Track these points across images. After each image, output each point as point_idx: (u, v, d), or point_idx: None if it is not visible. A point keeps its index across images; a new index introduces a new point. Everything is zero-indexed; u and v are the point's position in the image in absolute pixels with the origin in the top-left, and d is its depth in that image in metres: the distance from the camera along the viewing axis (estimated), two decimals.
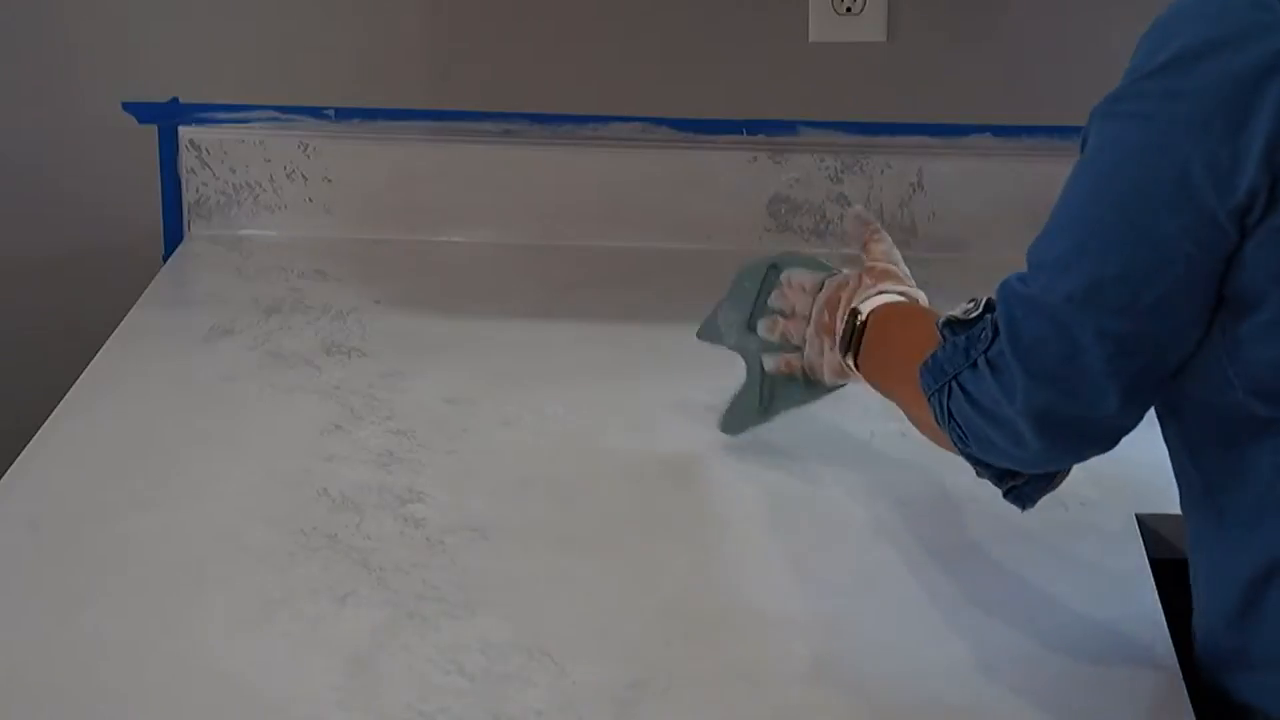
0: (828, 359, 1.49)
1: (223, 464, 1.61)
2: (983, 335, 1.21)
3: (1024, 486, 1.29)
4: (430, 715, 1.26)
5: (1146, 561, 1.45)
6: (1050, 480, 1.29)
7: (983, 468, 1.28)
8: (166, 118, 2.09)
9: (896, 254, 1.51)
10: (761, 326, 1.56)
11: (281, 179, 2.09)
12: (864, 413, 1.67)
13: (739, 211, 2.08)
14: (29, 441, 1.63)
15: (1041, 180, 2.00)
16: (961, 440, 1.26)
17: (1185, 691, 1.28)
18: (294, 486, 1.56)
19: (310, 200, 2.10)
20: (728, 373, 1.61)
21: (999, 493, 1.30)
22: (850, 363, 1.45)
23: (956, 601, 1.40)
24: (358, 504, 1.53)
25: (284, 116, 2.09)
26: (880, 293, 1.45)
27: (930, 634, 1.36)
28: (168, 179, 2.11)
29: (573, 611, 1.39)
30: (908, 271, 1.49)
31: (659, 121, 2.07)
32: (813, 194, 2.07)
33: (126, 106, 2.08)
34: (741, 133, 2.07)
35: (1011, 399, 1.19)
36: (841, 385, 1.52)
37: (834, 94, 2.05)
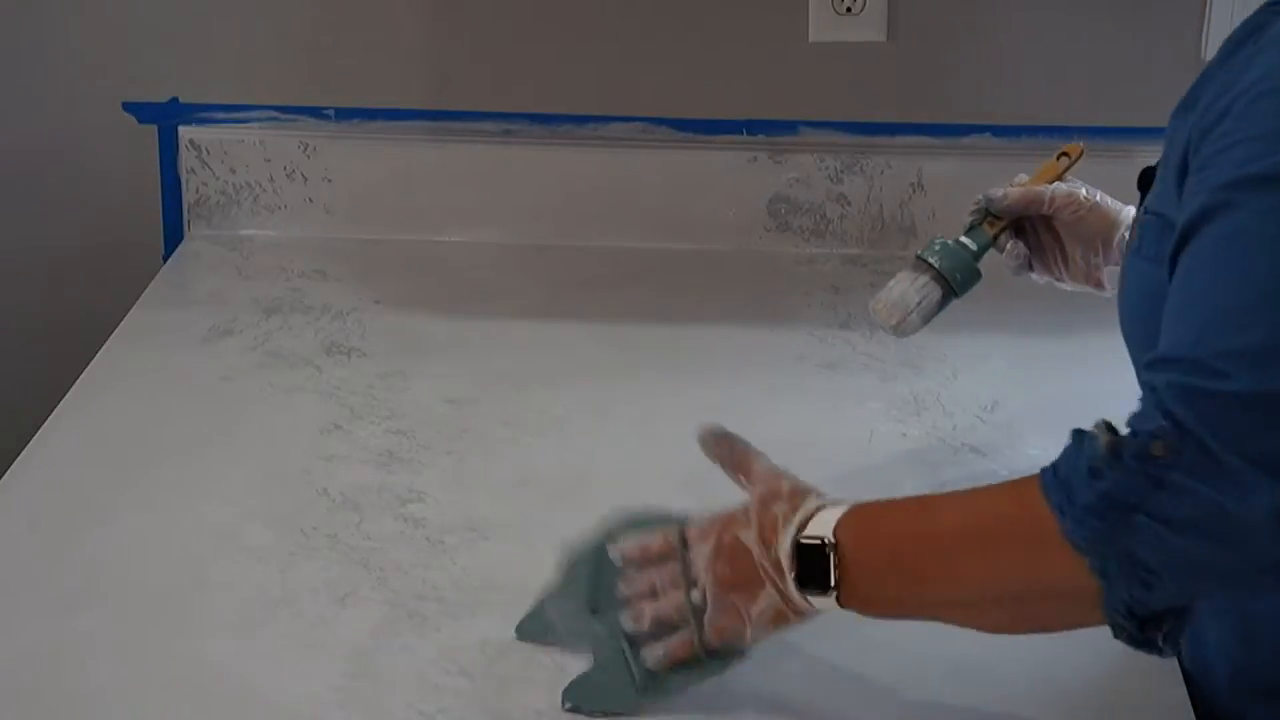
0: (756, 613, 1.22)
1: (223, 464, 1.61)
2: (1155, 449, 1.06)
3: (1171, 628, 1.14)
4: (430, 715, 1.26)
5: None
6: (1188, 610, 1.14)
7: (1129, 621, 1.12)
8: (166, 118, 2.09)
9: (781, 468, 1.27)
10: (625, 620, 1.26)
11: (281, 179, 2.09)
12: (865, 413, 1.67)
13: (739, 211, 2.08)
14: (29, 441, 1.63)
15: None
16: (1145, 584, 1.09)
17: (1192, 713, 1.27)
18: (294, 486, 1.56)
19: (310, 200, 2.10)
20: (729, 372, 1.61)
21: None
22: (827, 598, 1.20)
23: (952, 642, 1.39)
24: (358, 504, 1.53)
25: (284, 116, 2.09)
26: (817, 509, 1.21)
27: (930, 636, 1.36)
28: (168, 179, 2.11)
29: None
30: (808, 484, 1.25)
31: (659, 121, 2.07)
32: (813, 194, 2.07)
33: (126, 106, 2.08)
34: (741, 133, 2.07)
35: (1250, 506, 1.04)
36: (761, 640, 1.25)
37: (834, 94, 2.05)
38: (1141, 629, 1.11)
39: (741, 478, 1.27)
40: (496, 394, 1.74)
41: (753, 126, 2.07)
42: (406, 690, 1.29)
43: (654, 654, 1.24)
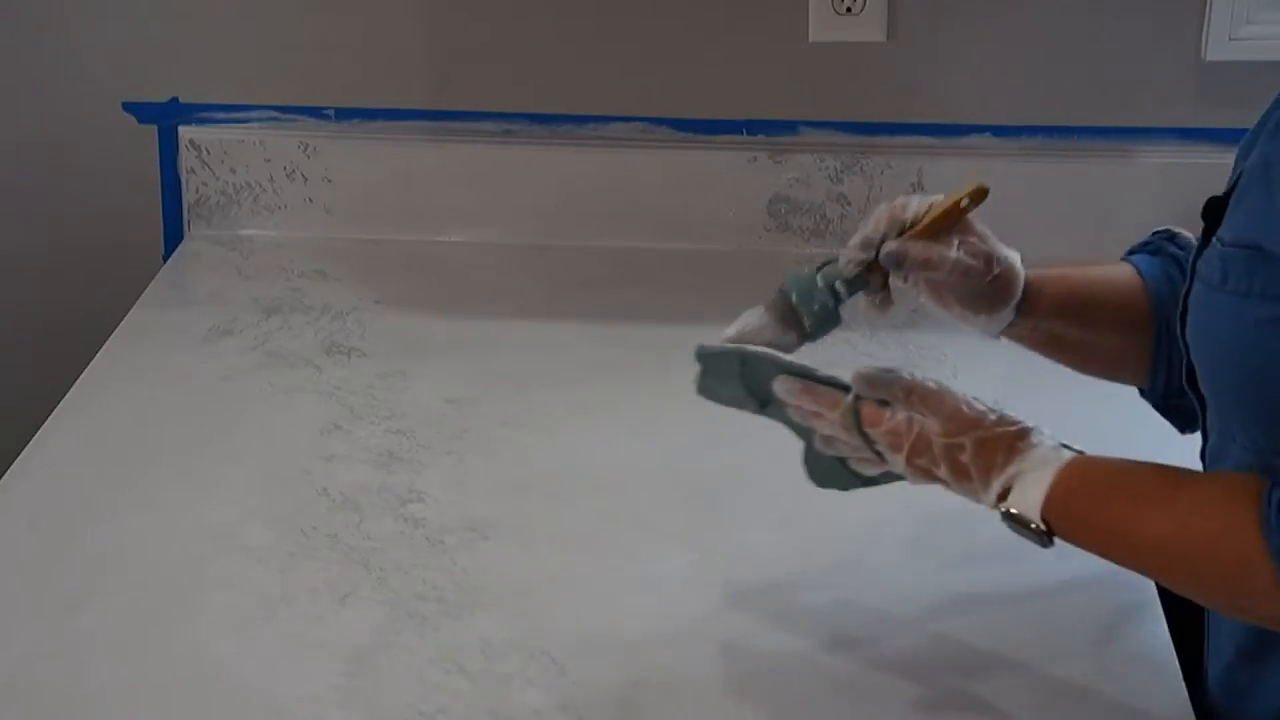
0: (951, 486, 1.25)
1: (223, 464, 1.61)
2: None
3: None
4: (430, 715, 1.26)
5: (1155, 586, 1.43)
6: None
7: None
8: (166, 118, 2.09)
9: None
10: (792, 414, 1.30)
11: (281, 179, 2.09)
12: None
13: (739, 211, 2.08)
14: (29, 441, 1.63)
15: (1041, 180, 2.01)
16: None
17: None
18: (294, 486, 1.56)
19: (310, 200, 2.10)
20: None
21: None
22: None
23: (959, 617, 1.39)
24: (358, 504, 1.53)
25: (284, 116, 2.09)
26: (1024, 471, 1.20)
27: (931, 637, 1.36)
28: (168, 179, 2.11)
29: (573, 611, 1.39)
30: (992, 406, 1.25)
31: (659, 121, 2.07)
32: (813, 194, 2.07)
33: (126, 106, 2.08)
34: (741, 133, 2.07)
35: None
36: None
37: (834, 94, 2.05)
38: None
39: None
40: (496, 394, 1.74)
41: (753, 126, 2.07)
42: (406, 690, 1.29)
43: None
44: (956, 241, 1.32)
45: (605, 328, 1.90)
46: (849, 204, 2.06)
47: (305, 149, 2.08)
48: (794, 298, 1.34)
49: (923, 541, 1.47)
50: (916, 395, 1.25)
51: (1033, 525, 1.18)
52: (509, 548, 1.48)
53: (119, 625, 1.37)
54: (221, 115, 2.08)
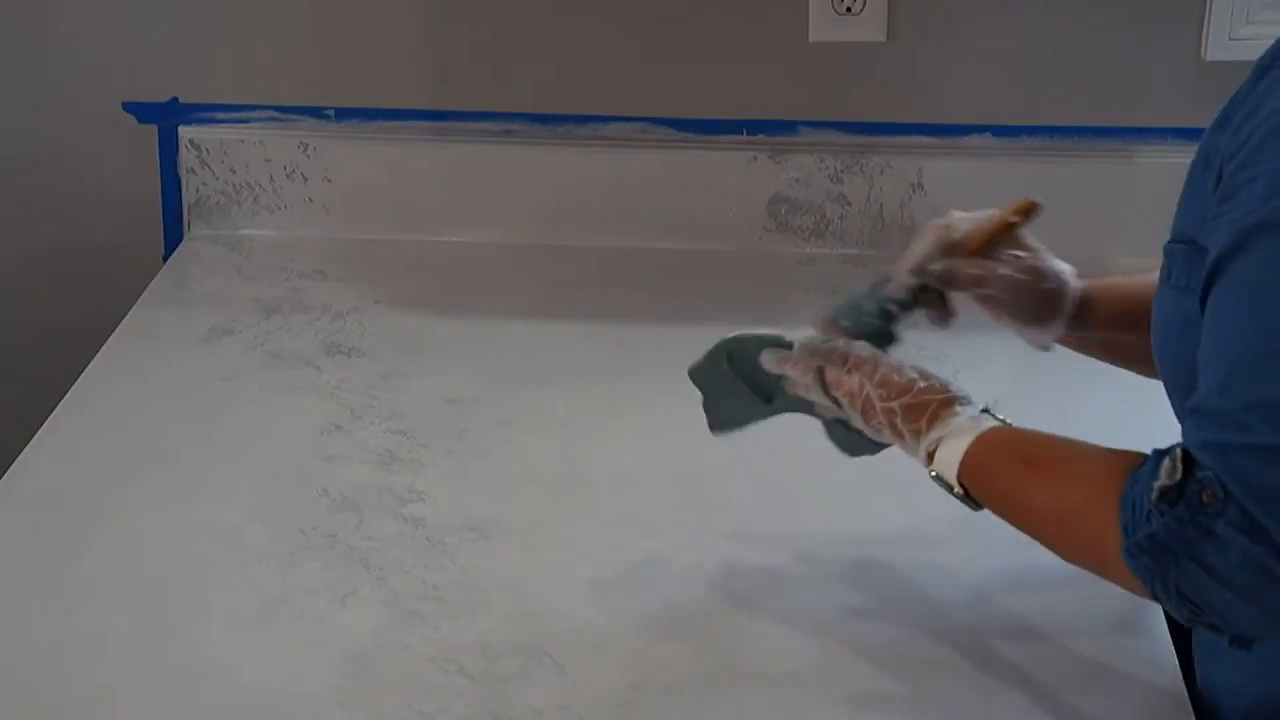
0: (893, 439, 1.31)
1: (223, 464, 1.61)
2: (1205, 498, 1.05)
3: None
4: (430, 715, 1.26)
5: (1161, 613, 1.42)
6: None
7: (1189, 618, 1.12)
8: (166, 118, 2.09)
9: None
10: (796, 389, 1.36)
11: (281, 179, 2.09)
12: None
13: (739, 211, 2.08)
14: (29, 441, 1.63)
15: (1041, 180, 2.01)
16: (1195, 614, 1.10)
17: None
18: (294, 486, 1.56)
19: (310, 200, 2.10)
20: None
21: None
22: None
23: (956, 617, 1.39)
24: (358, 504, 1.53)
25: (284, 116, 2.09)
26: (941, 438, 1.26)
27: (930, 637, 1.36)
28: (168, 179, 2.11)
29: (573, 611, 1.39)
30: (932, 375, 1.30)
31: (659, 121, 2.07)
32: (813, 194, 2.07)
33: (126, 106, 2.08)
34: (741, 133, 2.07)
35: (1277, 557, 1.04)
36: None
37: (834, 94, 2.05)
38: (1213, 626, 1.11)
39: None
40: (496, 394, 1.74)
41: (753, 126, 2.07)
42: (406, 690, 1.29)
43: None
44: (1007, 256, 1.37)
45: (605, 328, 1.90)
46: (849, 204, 2.06)
47: (305, 149, 2.08)
48: (842, 324, 1.37)
49: (922, 541, 1.47)
50: (852, 362, 1.31)
51: (954, 489, 1.24)
52: (509, 548, 1.48)
53: (119, 625, 1.37)
54: (221, 115, 2.08)
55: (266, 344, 1.84)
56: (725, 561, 1.46)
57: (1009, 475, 1.22)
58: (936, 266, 1.37)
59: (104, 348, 1.82)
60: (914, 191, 2.06)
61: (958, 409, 1.26)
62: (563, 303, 1.95)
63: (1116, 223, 1.99)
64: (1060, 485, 1.17)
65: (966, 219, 1.39)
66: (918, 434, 1.27)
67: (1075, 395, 1.62)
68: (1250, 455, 1.03)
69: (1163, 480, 1.07)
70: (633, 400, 1.73)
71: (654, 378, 1.77)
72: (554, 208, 2.09)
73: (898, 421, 1.28)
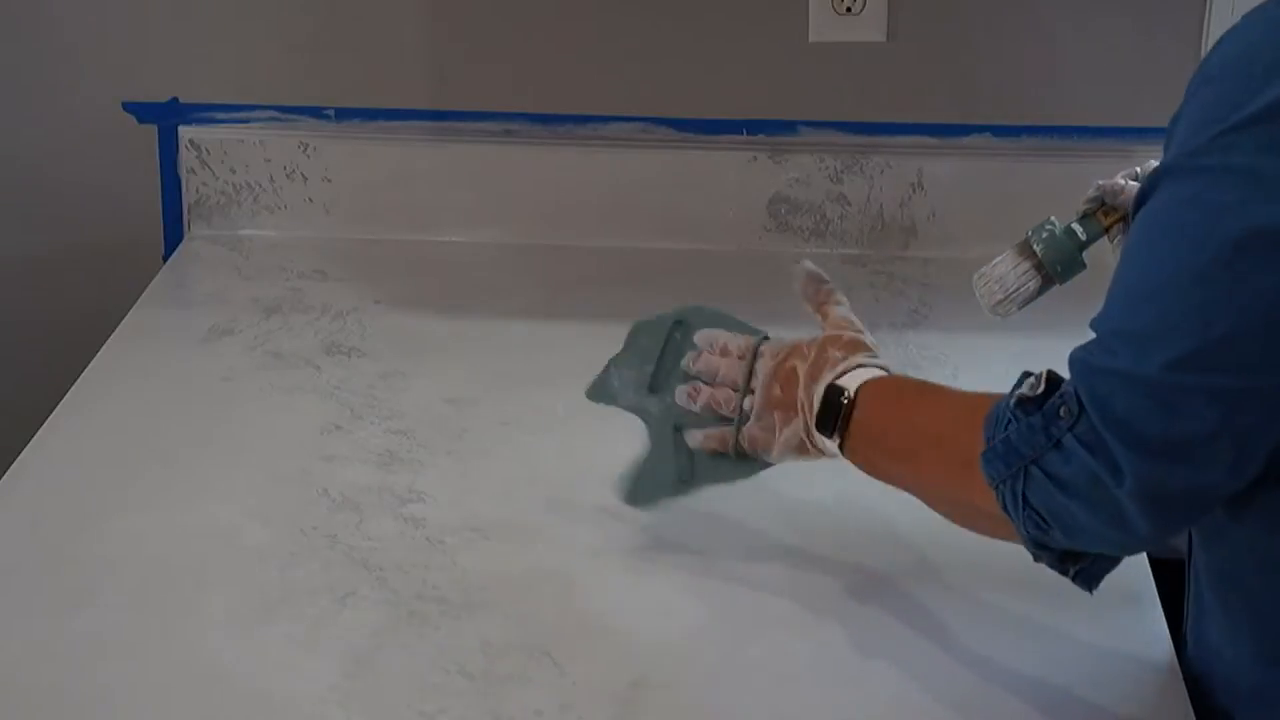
0: (784, 437, 1.36)
1: (223, 464, 1.61)
2: (1062, 412, 1.13)
3: (1090, 567, 1.20)
4: (430, 715, 1.26)
5: (1151, 581, 1.43)
6: (1116, 559, 1.21)
7: (1043, 552, 1.19)
8: (166, 118, 2.09)
9: (855, 318, 1.39)
10: (679, 394, 1.42)
11: (281, 179, 2.09)
12: None
13: (739, 211, 2.08)
14: (29, 441, 1.63)
15: (1041, 180, 2.01)
16: (1040, 527, 1.16)
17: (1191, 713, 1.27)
18: (294, 486, 1.56)
19: (310, 200, 2.10)
20: None
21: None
22: (833, 443, 1.32)
23: (956, 612, 1.39)
24: (358, 504, 1.53)
25: (284, 116, 2.09)
26: (859, 365, 1.32)
27: (930, 639, 1.36)
28: (168, 179, 2.10)
29: (573, 611, 1.39)
30: (873, 339, 1.37)
31: (659, 121, 2.07)
32: (813, 194, 2.07)
33: (126, 106, 2.08)
34: (741, 133, 2.07)
35: (1118, 480, 1.10)
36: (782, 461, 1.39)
37: (834, 94, 2.05)
38: (1060, 560, 1.19)
39: (819, 316, 1.39)
40: (496, 394, 1.74)
41: (753, 126, 2.07)
42: (406, 690, 1.29)
43: (694, 437, 1.40)
44: None
45: (605, 328, 1.89)
46: (849, 204, 2.06)
47: (305, 149, 2.08)
48: (1041, 250, 1.43)
49: (921, 541, 1.47)
50: (794, 355, 1.37)
51: (843, 397, 1.30)
52: (509, 548, 1.48)
53: (119, 625, 1.37)
54: (221, 115, 2.08)
55: (266, 344, 1.84)
56: (725, 560, 1.46)
57: (906, 396, 1.30)
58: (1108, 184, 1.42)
59: (104, 348, 1.82)
60: (914, 191, 2.06)
61: (863, 358, 1.33)
62: (563, 303, 1.95)
63: None
64: (937, 411, 1.26)
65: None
66: (815, 378, 1.32)
67: None
68: (1110, 378, 1.10)
69: (1024, 391, 1.16)
70: None
71: None
72: (554, 208, 2.09)
73: (805, 364, 1.33)
